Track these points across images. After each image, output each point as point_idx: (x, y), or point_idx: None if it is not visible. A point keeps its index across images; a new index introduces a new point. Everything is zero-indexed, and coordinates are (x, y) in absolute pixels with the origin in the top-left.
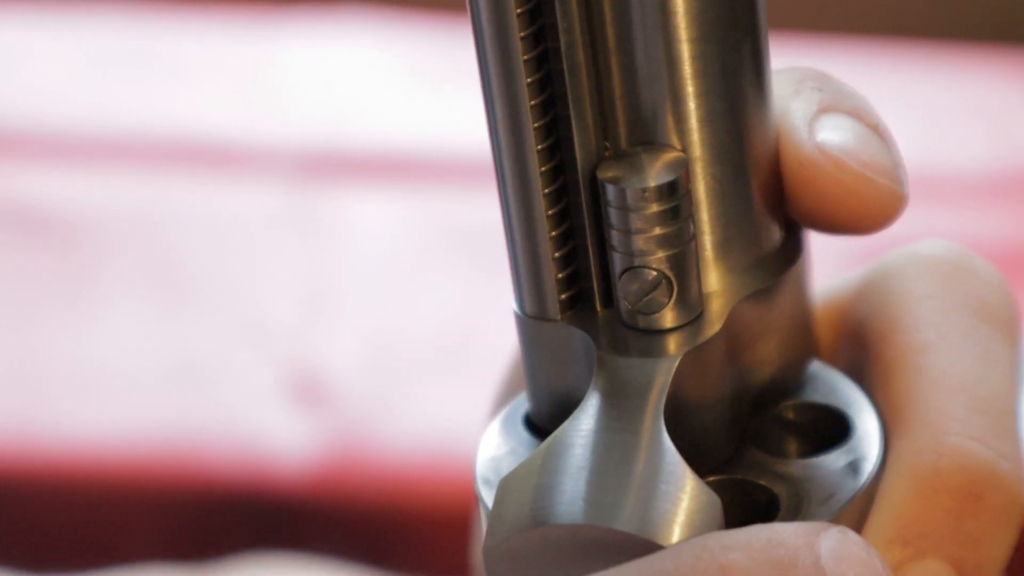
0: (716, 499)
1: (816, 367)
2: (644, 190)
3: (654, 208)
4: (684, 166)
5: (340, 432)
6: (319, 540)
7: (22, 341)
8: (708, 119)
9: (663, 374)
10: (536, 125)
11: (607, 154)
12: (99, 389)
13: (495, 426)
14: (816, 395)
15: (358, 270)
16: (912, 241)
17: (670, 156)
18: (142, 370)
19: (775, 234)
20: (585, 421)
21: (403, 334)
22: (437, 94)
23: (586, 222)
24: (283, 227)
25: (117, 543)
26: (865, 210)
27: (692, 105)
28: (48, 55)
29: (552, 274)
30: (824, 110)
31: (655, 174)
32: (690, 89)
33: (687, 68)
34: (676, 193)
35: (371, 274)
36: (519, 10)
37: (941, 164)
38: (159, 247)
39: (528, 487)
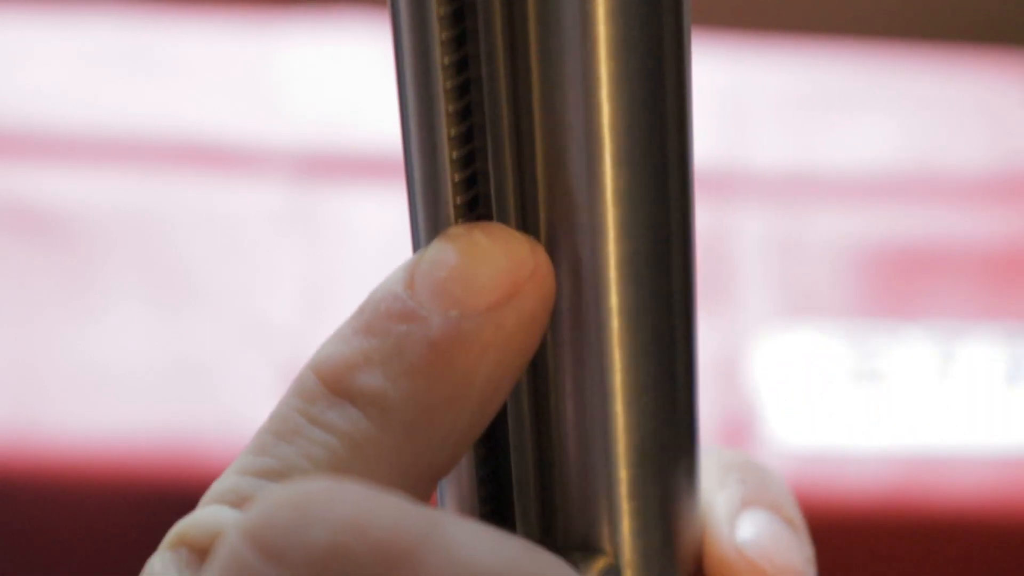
0: None
1: None
2: None
3: None
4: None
5: None
6: None
7: (22, 340)
8: (641, 530)
9: None
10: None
11: None
12: (99, 388)
13: None
14: None
15: (358, 270)
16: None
17: (600, 564)
18: (141, 369)
19: None
20: None
21: None
22: None
23: None
24: (283, 227)
25: (116, 543)
26: None
27: (627, 522)
28: (48, 55)
29: None
30: (746, 504)
31: None
32: (625, 507)
33: (624, 489)
34: None
35: (371, 274)
36: None
37: (942, 164)
38: (159, 246)
39: None
